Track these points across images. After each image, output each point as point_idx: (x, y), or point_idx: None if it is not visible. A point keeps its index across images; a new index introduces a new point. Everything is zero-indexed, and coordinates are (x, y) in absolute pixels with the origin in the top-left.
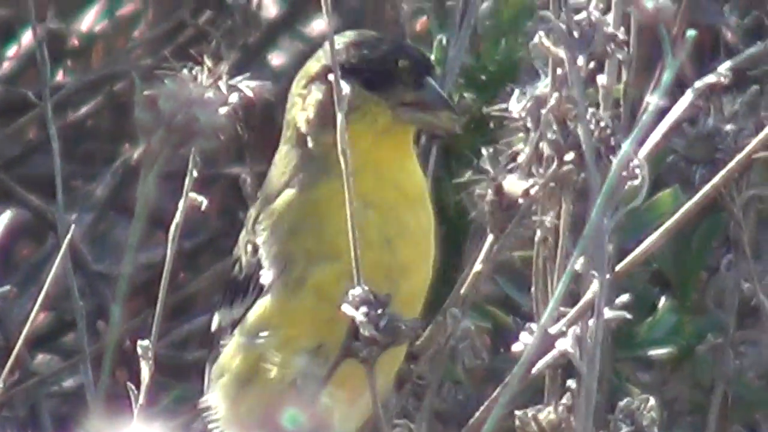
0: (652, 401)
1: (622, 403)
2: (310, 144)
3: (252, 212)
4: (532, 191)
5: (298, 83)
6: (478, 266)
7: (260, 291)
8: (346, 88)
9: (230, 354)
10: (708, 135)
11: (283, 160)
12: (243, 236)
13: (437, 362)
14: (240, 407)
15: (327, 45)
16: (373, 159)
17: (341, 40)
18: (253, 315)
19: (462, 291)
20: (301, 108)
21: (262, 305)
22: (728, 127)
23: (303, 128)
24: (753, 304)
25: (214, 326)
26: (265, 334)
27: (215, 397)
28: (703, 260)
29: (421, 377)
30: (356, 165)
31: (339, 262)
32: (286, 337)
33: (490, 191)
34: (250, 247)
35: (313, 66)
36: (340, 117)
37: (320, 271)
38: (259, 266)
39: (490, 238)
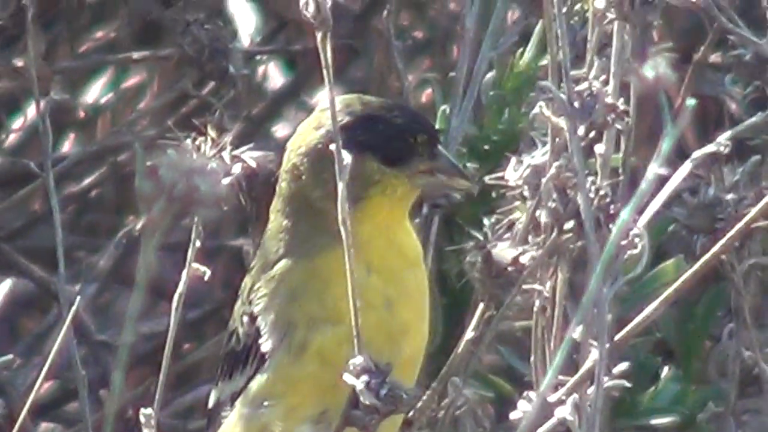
0: None
1: None
2: (314, 213)
3: (247, 282)
4: (522, 259)
5: (297, 150)
6: (470, 334)
7: (261, 360)
8: (347, 157)
9: (232, 426)
10: (709, 204)
11: (280, 227)
12: (238, 308)
13: (439, 430)
14: None
15: (329, 113)
16: (385, 226)
17: (348, 108)
18: (255, 385)
19: (457, 359)
20: (305, 178)
21: (264, 374)
22: (729, 196)
23: (313, 198)
24: (755, 373)
25: (211, 403)
26: (268, 403)
27: None
28: (707, 330)
29: None
30: (370, 234)
31: (341, 326)
32: (290, 405)
33: (479, 259)
34: (246, 318)
35: (312, 137)
36: (341, 186)
37: (323, 336)
38: (258, 335)
39: (482, 306)
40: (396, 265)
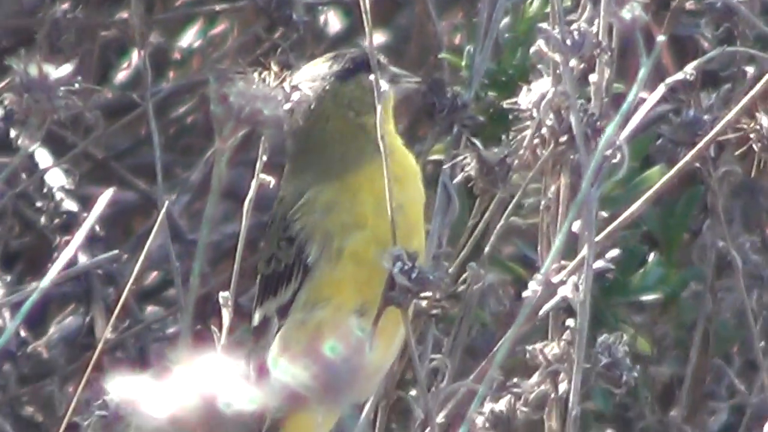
0: (624, 336)
1: (600, 339)
2: (339, 143)
3: (277, 215)
4: (508, 160)
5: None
6: (471, 222)
7: (305, 273)
8: (385, 85)
9: (290, 330)
10: (689, 123)
11: (302, 165)
12: (271, 237)
13: (467, 308)
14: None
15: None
16: (389, 143)
17: (327, 61)
18: (305, 292)
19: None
20: (327, 115)
21: (312, 282)
22: (705, 116)
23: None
24: (728, 259)
25: (257, 321)
26: (319, 306)
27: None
28: (686, 224)
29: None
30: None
31: (367, 230)
32: (337, 304)
33: (474, 160)
34: (283, 243)
35: (319, 85)
36: (379, 108)
37: (354, 241)
38: (299, 253)
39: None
40: (402, 174)
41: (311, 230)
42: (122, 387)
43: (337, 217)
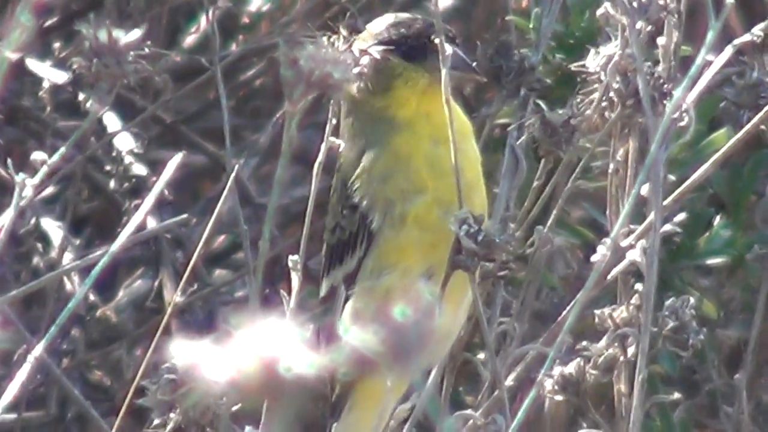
0: (691, 300)
1: (667, 302)
2: (367, 110)
3: (337, 183)
4: (572, 122)
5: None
6: (534, 183)
7: (370, 240)
8: (449, 49)
9: (359, 297)
10: (753, 85)
11: (353, 130)
12: (334, 205)
13: (535, 270)
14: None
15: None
16: (423, 111)
17: (383, 23)
18: (371, 259)
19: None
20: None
21: (377, 249)
22: None
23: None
24: None
25: (324, 291)
26: (386, 272)
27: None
28: (753, 186)
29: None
30: (409, 117)
31: (426, 194)
32: (403, 269)
33: (537, 122)
34: (346, 211)
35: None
36: (444, 72)
37: (415, 206)
38: (363, 219)
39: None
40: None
41: (372, 199)
42: (186, 351)
43: (395, 185)
